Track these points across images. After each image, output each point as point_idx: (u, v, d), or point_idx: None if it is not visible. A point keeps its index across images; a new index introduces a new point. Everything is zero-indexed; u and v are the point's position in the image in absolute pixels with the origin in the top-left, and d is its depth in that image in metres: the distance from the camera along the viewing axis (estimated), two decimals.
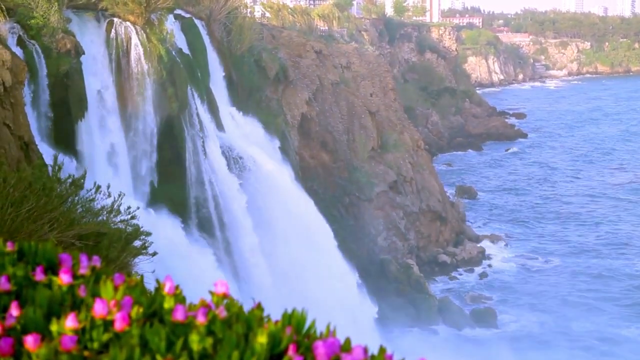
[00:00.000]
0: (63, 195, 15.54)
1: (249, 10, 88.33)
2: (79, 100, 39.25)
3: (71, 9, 42.54)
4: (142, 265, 17.48)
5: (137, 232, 17.16)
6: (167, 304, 3.10)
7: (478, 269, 76.06)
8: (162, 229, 39.16)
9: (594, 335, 60.87)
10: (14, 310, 2.99)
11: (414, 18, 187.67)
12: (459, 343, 60.30)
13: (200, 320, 2.97)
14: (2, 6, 36.30)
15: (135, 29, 44.45)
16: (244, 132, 58.02)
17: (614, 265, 76.31)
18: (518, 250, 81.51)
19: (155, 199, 45.41)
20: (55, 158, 18.70)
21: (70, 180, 16.34)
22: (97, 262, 3.40)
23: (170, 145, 47.31)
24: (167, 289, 3.18)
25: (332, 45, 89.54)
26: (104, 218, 16.62)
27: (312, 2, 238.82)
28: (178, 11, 55.29)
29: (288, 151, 64.24)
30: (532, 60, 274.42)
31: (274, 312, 3.19)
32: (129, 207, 17.59)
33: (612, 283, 71.55)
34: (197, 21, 57.14)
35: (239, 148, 54.08)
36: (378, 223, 73.23)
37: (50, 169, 17.58)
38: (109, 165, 41.71)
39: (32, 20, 38.08)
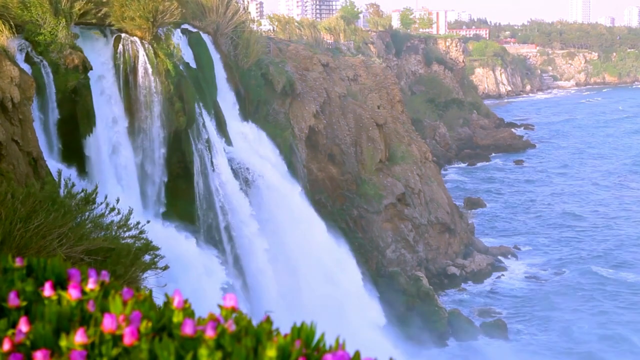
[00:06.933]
0: (73, 211, 15.57)
1: (255, 24, 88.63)
2: (86, 115, 39.34)
3: (78, 25, 42.71)
4: (152, 280, 17.49)
5: (146, 247, 17.17)
6: (176, 318, 3.09)
7: (487, 281, 75.86)
8: (171, 243, 39.17)
9: (604, 347, 60.57)
10: (24, 326, 2.99)
11: (421, 30, 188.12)
12: (469, 355, 60.09)
13: (209, 334, 2.96)
14: (11, 23, 36.48)
15: (143, 44, 44.60)
16: (252, 145, 58.08)
17: (626, 276, 76.00)
18: (527, 262, 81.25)
19: (164, 213, 45.46)
20: (60, 173, 18.77)
21: (81, 195, 16.38)
22: (105, 277, 3.40)
23: (178, 159, 47.38)
24: (175, 303, 3.18)
25: (339, 58, 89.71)
26: (113, 233, 16.63)
27: (318, 15, 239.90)
28: (185, 26, 55.45)
29: (296, 164, 64.28)
30: (539, 72, 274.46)
31: (283, 326, 3.18)
32: (138, 223, 17.60)
33: (623, 294, 71.24)
34: (204, 35, 57.30)
35: (246, 162, 54.15)
36: (386, 235, 73.15)
37: (59, 184, 17.63)
38: (116, 180, 41.75)
39: (40, 37, 38.25)
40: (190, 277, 38.95)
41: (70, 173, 33.08)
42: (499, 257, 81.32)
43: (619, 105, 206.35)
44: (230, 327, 3.03)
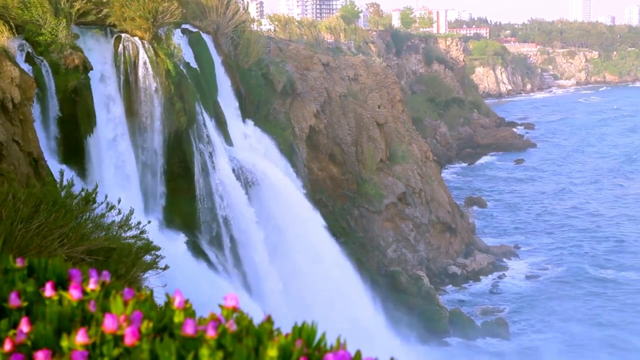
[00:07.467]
0: (74, 210, 15.57)
1: (255, 23, 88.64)
2: (87, 115, 39.33)
3: (79, 25, 42.70)
4: (152, 280, 17.49)
5: (147, 247, 17.16)
6: (177, 318, 3.09)
7: (488, 280, 75.82)
8: (172, 243, 39.20)
9: (605, 347, 60.54)
10: (25, 326, 2.99)
11: (421, 30, 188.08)
12: (471, 354, 60.06)
13: (211, 334, 2.96)
14: (11, 23, 36.48)
15: (143, 44, 44.59)
16: (253, 145, 58.08)
17: (626, 276, 75.97)
18: (528, 261, 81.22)
19: (165, 214, 45.45)
20: (62, 173, 18.77)
21: (82, 194, 16.37)
22: (106, 277, 3.40)
23: (179, 159, 47.37)
24: (176, 303, 3.18)
25: (339, 58, 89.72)
26: (114, 233, 16.62)
27: (319, 15, 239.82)
28: (185, 25, 55.44)
29: (297, 164, 64.28)
30: (540, 70, 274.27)
31: (285, 326, 3.18)
32: (139, 222, 17.60)
33: (624, 294, 71.20)
34: (204, 35, 57.30)
35: (247, 161, 54.13)
36: (387, 235, 73.15)
37: (59, 184, 17.62)
38: (117, 179, 41.73)
39: (41, 37, 38.24)
40: (190, 277, 38.94)
41: (70, 173, 33.12)
42: (500, 257, 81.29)
43: (614, 105, 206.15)
44: (232, 327, 3.03)
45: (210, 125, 51.07)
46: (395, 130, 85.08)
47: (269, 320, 3.12)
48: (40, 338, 2.95)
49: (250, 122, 60.23)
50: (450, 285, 74.69)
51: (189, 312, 3.14)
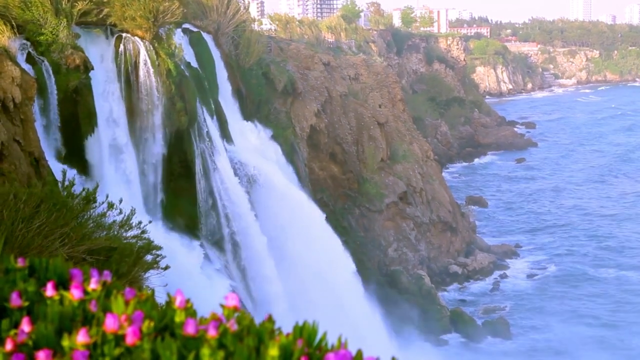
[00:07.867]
0: (75, 210, 15.57)
1: (256, 23, 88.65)
2: (88, 115, 39.32)
3: (80, 25, 42.69)
4: (154, 280, 17.49)
5: (148, 247, 17.16)
6: (178, 317, 3.10)
7: (489, 279, 75.82)
8: (173, 243, 39.19)
9: (606, 346, 60.51)
10: (26, 326, 2.99)
11: (422, 29, 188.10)
12: (472, 354, 60.03)
13: (212, 333, 2.96)
14: (12, 23, 36.49)
15: (144, 43, 44.56)
16: (253, 145, 58.04)
17: (628, 275, 75.93)
18: (529, 260, 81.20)
19: (166, 213, 45.43)
20: (64, 173, 18.78)
21: (83, 194, 16.38)
22: (107, 276, 3.40)
23: (180, 159, 47.34)
24: (178, 302, 3.18)
25: (340, 57, 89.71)
26: (115, 233, 16.63)
27: (319, 14, 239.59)
28: (186, 25, 55.42)
29: (297, 163, 64.23)
30: (540, 70, 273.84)
31: (286, 325, 3.18)
32: (140, 222, 17.59)
33: (625, 294, 71.15)
34: (205, 35, 57.28)
35: (248, 161, 54.11)
36: (388, 234, 73.13)
37: (61, 184, 17.64)
38: (118, 179, 41.70)
39: (42, 37, 38.24)
40: (191, 276, 38.94)
41: (71, 173, 33.11)
42: (501, 256, 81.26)
43: (612, 104, 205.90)
44: (233, 326, 3.03)
45: (211, 124, 51.04)
46: (396, 130, 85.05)
47: (270, 319, 3.12)
48: (41, 338, 2.95)
49: (251, 122, 60.10)
50: (451, 285, 74.69)
51: (190, 312, 3.14)
